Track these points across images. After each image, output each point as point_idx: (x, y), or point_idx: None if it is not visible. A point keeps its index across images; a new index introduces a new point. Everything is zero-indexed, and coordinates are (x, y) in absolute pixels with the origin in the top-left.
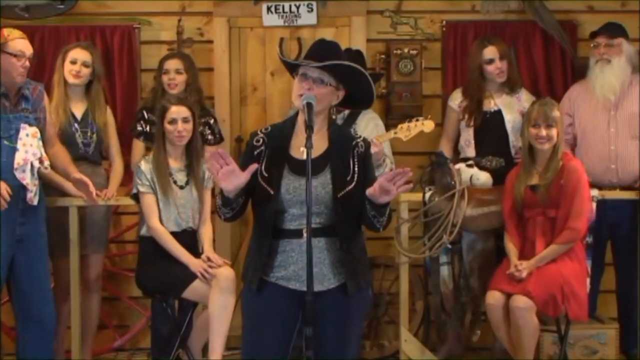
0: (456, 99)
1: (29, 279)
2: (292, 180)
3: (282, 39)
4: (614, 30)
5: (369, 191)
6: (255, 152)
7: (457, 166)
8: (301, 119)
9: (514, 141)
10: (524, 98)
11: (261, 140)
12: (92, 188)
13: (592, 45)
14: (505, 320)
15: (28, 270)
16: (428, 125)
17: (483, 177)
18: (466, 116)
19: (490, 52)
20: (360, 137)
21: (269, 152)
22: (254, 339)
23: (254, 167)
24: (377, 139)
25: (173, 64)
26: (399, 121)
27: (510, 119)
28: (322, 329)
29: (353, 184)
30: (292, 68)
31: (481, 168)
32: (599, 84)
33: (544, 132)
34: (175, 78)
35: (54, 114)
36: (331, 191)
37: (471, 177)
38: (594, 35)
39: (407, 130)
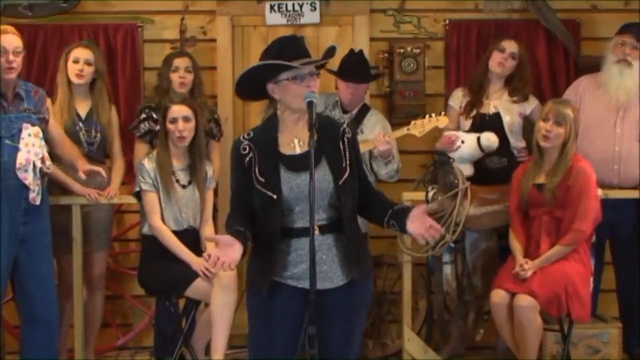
0: (457, 98)
1: (32, 278)
2: (292, 177)
3: None
4: None
5: (412, 221)
6: (245, 161)
7: (458, 133)
8: (290, 118)
9: (514, 142)
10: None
11: (247, 148)
12: (104, 173)
13: (617, 42)
14: (509, 319)
15: (32, 270)
16: (442, 121)
17: (493, 137)
18: (464, 116)
19: (506, 43)
20: (344, 122)
21: (258, 156)
22: (264, 340)
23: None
24: (390, 136)
25: (183, 62)
26: (402, 120)
27: (509, 121)
28: (329, 327)
29: (348, 171)
30: (267, 77)
31: (485, 168)
32: (616, 85)
33: (550, 127)
34: (186, 77)
35: (58, 114)
36: (332, 180)
37: (479, 139)
38: (621, 32)
39: (421, 127)
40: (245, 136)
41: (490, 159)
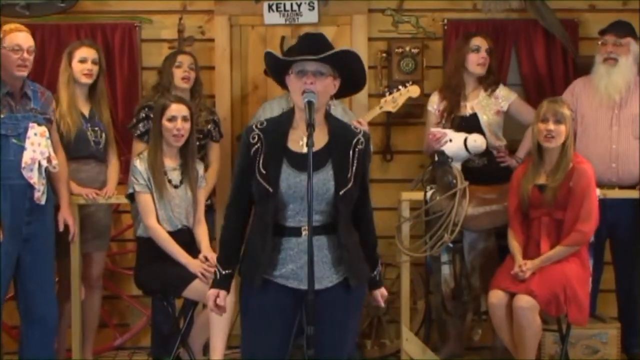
0: (434, 102)
1: (34, 278)
2: (292, 175)
3: (283, 38)
4: (623, 29)
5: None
6: (252, 150)
7: (446, 131)
8: (298, 114)
9: (494, 141)
10: (501, 95)
11: (257, 137)
12: (71, 226)
13: (599, 42)
14: (508, 319)
15: (33, 270)
16: (414, 91)
17: (480, 140)
18: (443, 120)
19: (477, 40)
20: (360, 131)
21: (266, 147)
22: (254, 338)
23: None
24: (364, 119)
25: (187, 59)
26: (400, 120)
27: (486, 120)
28: (321, 327)
29: (352, 182)
30: (283, 69)
31: (465, 168)
32: (604, 84)
33: (552, 127)
34: (189, 72)
35: (67, 116)
36: (333, 187)
37: (466, 140)
38: (602, 32)
39: (393, 102)
40: (258, 125)
41: (470, 159)
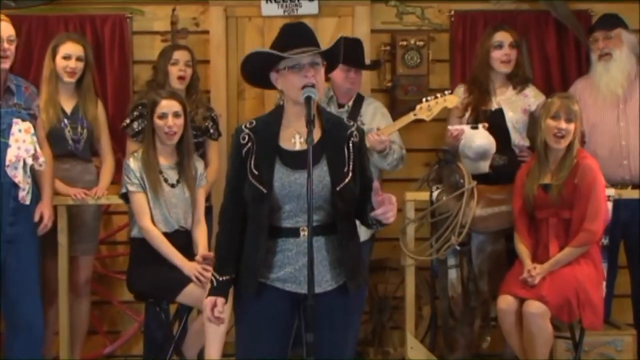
0: (460, 95)
1: (18, 282)
2: (286, 174)
3: None
4: (610, 22)
5: (374, 214)
6: (243, 151)
7: (462, 127)
8: (291, 110)
9: (518, 140)
10: (531, 94)
11: (247, 137)
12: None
13: (591, 43)
14: (518, 326)
15: (17, 273)
16: (451, 100)
17: (481, 141)
18: (466, 114)
19: (500, 36)
20: (353, 125)
21: (257, 147)
22: (250, 343)
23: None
24: (396, 124)
25: (183, 55)
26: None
27: (512, 117)
28: (320, 332)
29: (349, 177)
30: (268, 66)
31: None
32: (605, 82)
33: (563, 125)
34: (186, 70)
35: (43, 111)
36: (329, 184)
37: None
38: (590, 30)
39: (428, 110)
40: (247, 125)
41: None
